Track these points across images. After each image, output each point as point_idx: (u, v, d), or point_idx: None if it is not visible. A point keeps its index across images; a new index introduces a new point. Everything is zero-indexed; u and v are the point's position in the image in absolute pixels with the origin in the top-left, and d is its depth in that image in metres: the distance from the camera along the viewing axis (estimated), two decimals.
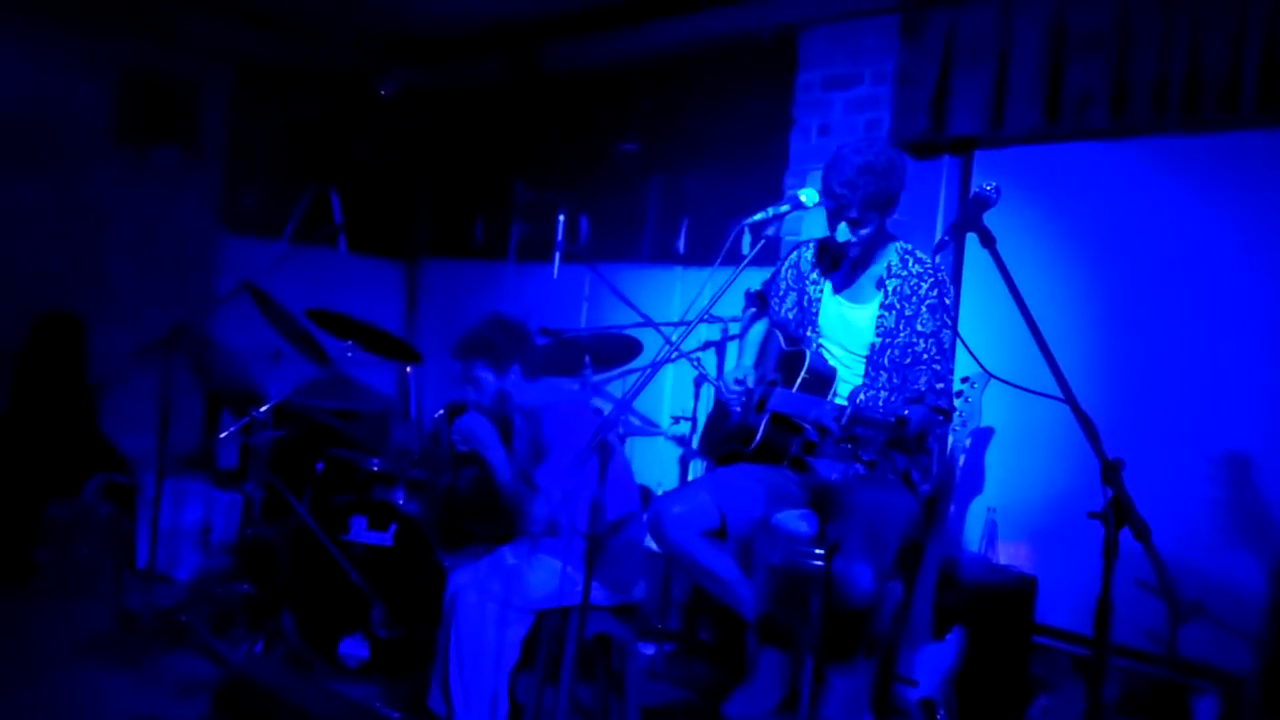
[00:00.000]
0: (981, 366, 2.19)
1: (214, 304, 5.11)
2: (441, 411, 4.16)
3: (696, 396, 4.38)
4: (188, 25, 5.40)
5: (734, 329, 4.27)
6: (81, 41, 5.22)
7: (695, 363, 4.05)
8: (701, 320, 3.07)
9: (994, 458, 3.95)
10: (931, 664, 3.20)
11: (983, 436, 3.88)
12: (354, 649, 3.68)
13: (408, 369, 5.85)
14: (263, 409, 3.81)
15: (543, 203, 5.87)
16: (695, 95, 5.16)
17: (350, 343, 3.90)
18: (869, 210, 2.65)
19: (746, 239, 4.55)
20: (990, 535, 3.87)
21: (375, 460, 4.08)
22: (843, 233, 2.68)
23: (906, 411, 2.28)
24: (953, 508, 3.71)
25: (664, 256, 5.27)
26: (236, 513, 4.99)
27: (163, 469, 4.02)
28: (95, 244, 5.47)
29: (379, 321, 3.95)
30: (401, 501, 3.78)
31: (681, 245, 5.21)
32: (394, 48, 5.73)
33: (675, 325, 4.61)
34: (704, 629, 4.37)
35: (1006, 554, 3.85)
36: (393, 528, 3.70)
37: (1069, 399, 1.86)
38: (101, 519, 4.53)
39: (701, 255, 5.11)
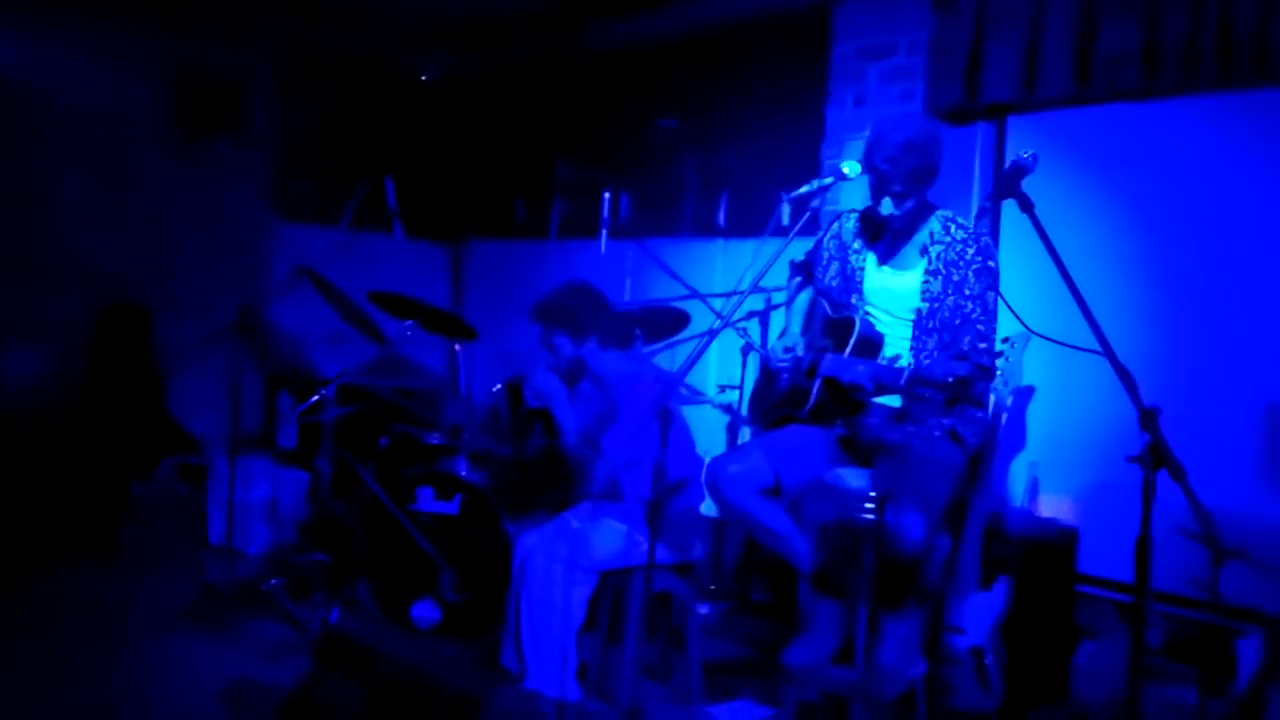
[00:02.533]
0: (1024, 325, 2.31)
1: (273, 289, 5.29)
2: (500, 386, 4.32)
3: (744, 365, 4.51)
4: (236, 16, 5.55)
5: (777, 299, 4.39)
6: (134, 36, 5.38)
7: (742, 332, 4.18)
8: (751, 291, 3.21)
9: (1035, 415, 4.05)
10: (979, 613, 3.34)
11: (1024, 395, 3.99)
12: (426, 612, 3.88)
13: (457, 347, 6.03)
14: (329, 388, 3.99)
15: (583, 180, 6.00)
16: (732, 70, 5.25)
17: (410, 322, 4.07)
18: (912, 184, 2.77)
19: (788, 211, 4.69)
20: (1033, 489, 3.99)
21: (435, 434, 4.27)
22: (887, 206, 2.81)
23: (965, 371, 2.41)
24: (997, 464, 3.83)
25: (705, 230, 5.39)
26: (301, 488, 5.20)
27: (235, 448, 4.22)
28: (155, 235, 5.67)
29: (431, 301, 4.11)
30: (465, 472, 3.97)
31: (722, 218, 5.32)
32: (434, 32, 5.85)
33: (722, 296, 4.75)
34: (757, 588, 4.53)
35: (1049, 507, 3.97)
36: (458, 497, 3.89)
37: (1107, 351, 1.98)
38: (178, 497, 4.75)
39: (742, 227, 5.22)
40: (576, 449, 3.35)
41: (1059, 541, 3.71)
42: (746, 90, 5.20)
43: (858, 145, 4.44)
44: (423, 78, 5.93)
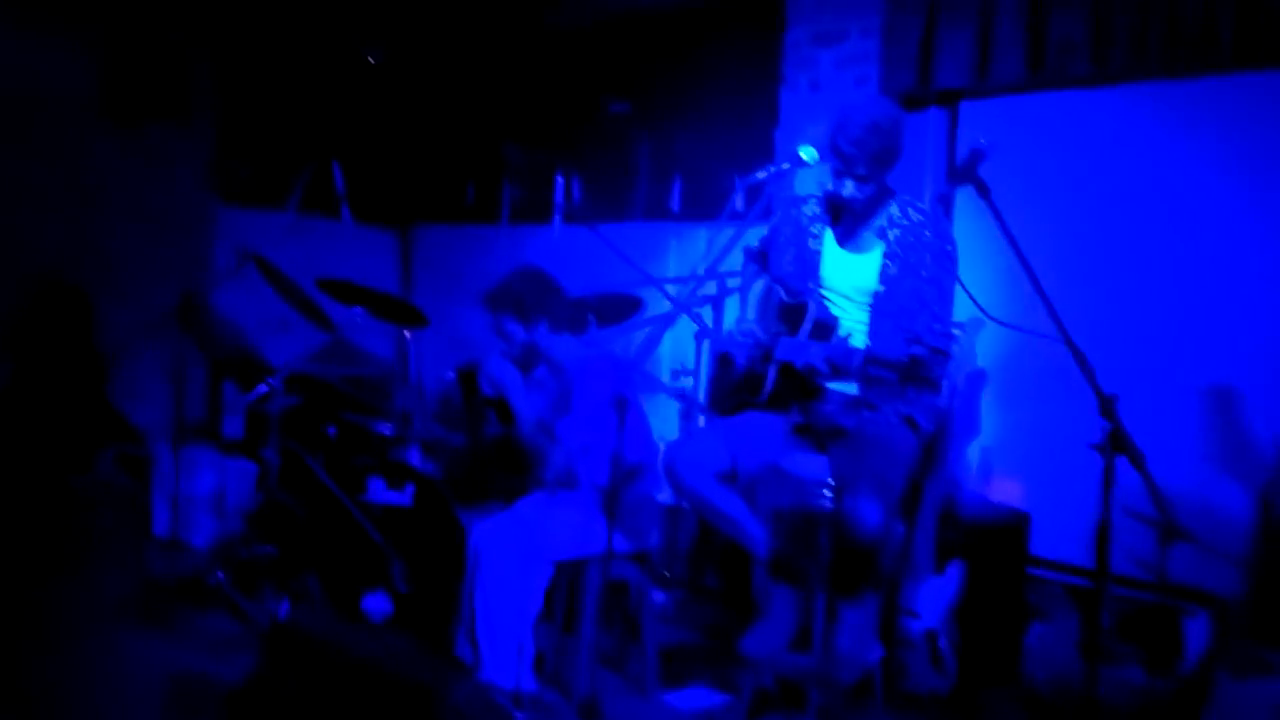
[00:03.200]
0: (982, 310, 2.31)
1: (218, 275, 5.18)
2: (452, 373, 4.26)
3: (698, 351, 4.49)
4: None
5: (731, 284, 4.38)
6: (68, 14, 5.22)
7: (696, 317, 4.16)
8: (707, 277, 3.19)
9: (987, 400, 4.09)
10: (933, 596, 3.36)
11: (977, 380, 4.03)
12: (377, 604, 3.81)
13: (406, 334, 5.95)
14: (276, 377, 3.90)
15: (534, 164, 5.94)
16: (685, 53, 5.22)
17: (358, 309, 3.99)
18: (875, 166, 2.78)
19: (742, 196, 4.68)
20: (985, 474, 4.03)
21: (385, 423, 4.20)
22: (848, 188, 2.81)
23: (919, 352, 2.42)
24: (950, 449, 3.85)
25: (657, 214, 5.36)
26: (248, 479, 5.10)
27: (178, 438, 4.12)
28: (92, 218, 5.51)
29: (379, 287, 4.03)
30: (417, 461, 3.90)
31: (675, 202, 5.30)
32: (382, 12, 5.74)
33: (675, 281, 4.72)
34: (710, 575, 4.52)
35: (1000, 491, 4.01)
36: (410, 487, 3.82)
37: (1064, 337, 1.99)
38: (119, 489, 4.63)
39: (695, 212, 5.20)
40: (531, 436, 3.30)
41: (1010, 525, 3.75)
42: (699, 74, 5.17)
43: (814, 130, 4.46)
44: (370, 59, 5.81)
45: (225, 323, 5.91)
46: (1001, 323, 2.29)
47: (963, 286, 2.39)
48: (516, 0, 5.57)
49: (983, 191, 2.21)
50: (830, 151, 2.82)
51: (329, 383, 4.56)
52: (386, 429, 4.15)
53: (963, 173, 2.26)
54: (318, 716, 2.22)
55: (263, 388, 3.88)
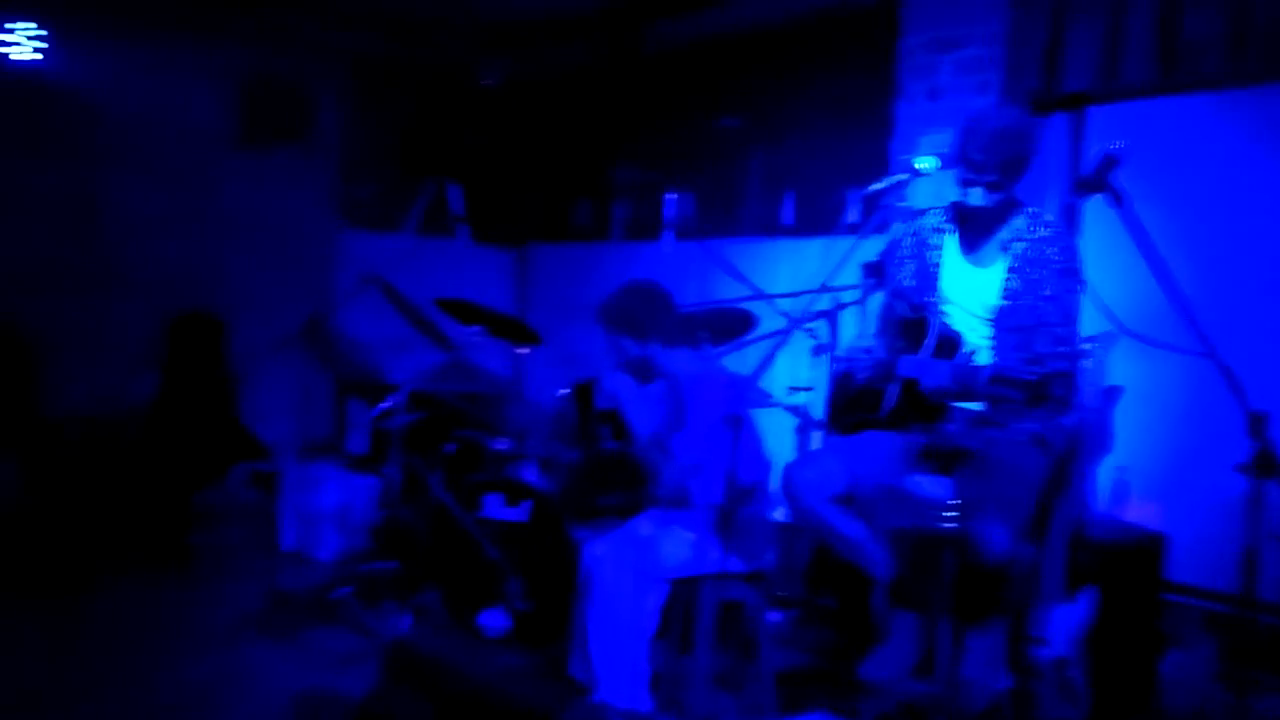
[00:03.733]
0: (1119, 325, 2.20)
1: (341, 296, 5.33)
2: (566, 389, 4.29)
3: (814, 367, 4.41)
4: (299, 26, 5.59)
5: (846, 298, 4.30)
6: (198, 47, 5.46)
7: (811, 334, 4.09)
8: (822, 291, 3.13)
9: (1121, 417, 3.91)
10: (1063, 623, 3.21)
11: (1111, 396, 3.85)
12: (493, 620, 3.85)
13: (521, 351, 6.02)
14: (398, 395, 3.98)
15: (644, 182, 5.96)
16: (795, 66, 5.17)
17: (476, 328, 4.05)
18: (1005, 174, 2.69)
19: (855, 209, 4.59)
20: (1119, 494, 3.85)
21: (501, 440, 4.25)
22: (976, 197, 2.73)
23: (1046, 371, 2.32)
24: (1082, 468, 3.69)
25: (769, 229, 5.31)
26: (372, 495, 5.22)
27: (304, 455, 4.24)
28: (222, 243, 5.74)
29: (495, 306, 4.09)
30: (533, 478, 3.93)
31: (786, 217, 5.24)
32: (495, 37, 5.85)
33: (788, 296, 4.65)
34: (826, 595, 4.43)
35: (1135, 512, 3.82)
36: (526, 504, 3.85)
37: (1209, 352, 1.87)
38: (248, 504, 4.79)
39: (807, 226, 5.14)
40: (645, 451, 3.27)
41: (1145, 547, 3.57)
42: (811, 87, 5.11)
43: (931, 140, 4.35)
44: (485, 82, 5.92)
45: (349, 342, 6.09)
46: (1141, 338, 2.17)
47: (1097, 300, 2.26)
48: (628, 18, 5.59)
49: (1116, 199, 2.10)
50: (958, 159, 2.74)
51: (447, 400, 4.64)
52: (503, 445, 4.19)
53: (1094, 180, 2.17)
54: None
55: (385, 405, 3.96)
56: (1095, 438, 3.90)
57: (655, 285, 3.48)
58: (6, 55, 4.70)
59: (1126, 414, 3.90)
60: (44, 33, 4.72)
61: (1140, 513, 3.80)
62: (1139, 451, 3.88)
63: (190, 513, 4.72)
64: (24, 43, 4.69)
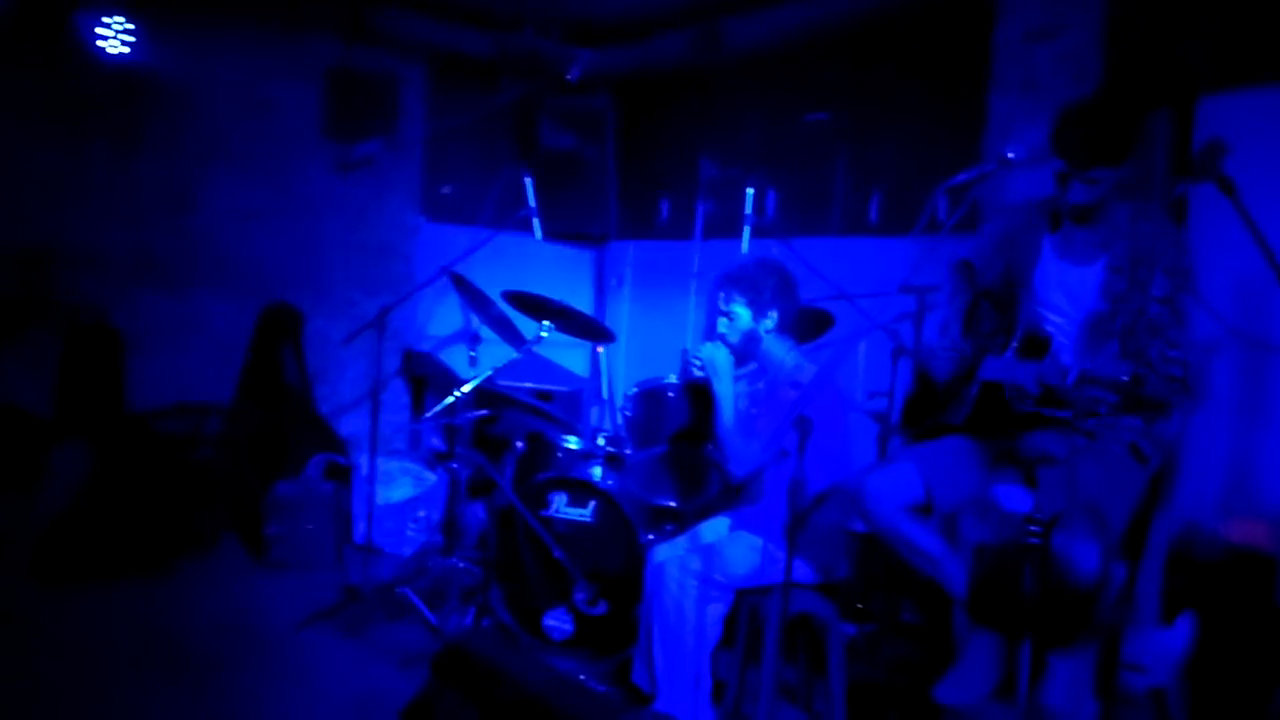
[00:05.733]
0: (1230, 329, 2.00)
1: (419, 290, 5.33)
2: (635, 389, 4.18)
3: (895, 371, 4.23)
4: (384, 22, 5.61)
5: (930, 298, 4.11)
6: (285, 41, 5.52)
7: (893, 335, 3.91)
8: (905, 290, 2.98)
9: (1224, 427, 3.65)
10: (1161, 650, 3.00)
11: (1213, 404, 3.60)
12: (558, 622, 3.77)
13: (599, 349, 5.95)
14: (469, 390, 3.93)
15: (729, 179, 5.82)
16: (884, 59, 4.99)
17: (549, 324, 3.97)
18: (1105, 167, 2.49)
19: (941, 205, 4.39)
20: (1224, 511, 3.59)
21: (572, 438, 4.17)
22: (1077, 192, 2.53)
23: (1142, 372, 2.12)
24: (1181, 482, 3.46)
25: (856, 228, 5.14)
26: (443, 490, 5.21)
27: (374, 448, 4.22)
28: (309, 238, 5.80)
29: (572, 303, 4.01)
30: (600, 478, 3.84)
31: (873, 215, 5.06)
32: (579, 32, 5.79)
33: (870, 296, 4.48)
34: (906, 609, 4.25)
35: (1243, 531, 3.55)
36: (592, 504, 3.77)
37: None
38: (324, 496, 4.81)
39: (895, 225, 4.95)
40: (725, 429, 3.12)
41: (1254, 568, 3.32)
42: (900, 80, 4.92)
43: (1028, 133, 4.13)
44: (568, 77, 5.86)
45: (428, 338, 6.09)
46: (1261, 341, 1.96)
47: (1206, 304, 2.05)
48: (711, 12, 5.47)
49: (1226, 189, 1.91)
50: (1057, 150, 2.55)
51: (518, 397, 4.58)
52: (573, 443, 4.12)
53: (1201, 168, 1.97)
54: None
55: (455, 400, 3.91)
56: (1194, 449, 3.67)
57: (785, 265, 3.34)
58: (101, 49, 4.78)
59: (1231, 423, 3.65)
60: (133, 26, 4.79)
61: (1249, 531, 3.54)
62: (1242, 465, 3.62)
63: (266, 503, 4.75)
64: (116, 37, 4.77)
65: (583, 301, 6.66)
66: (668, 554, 3.21)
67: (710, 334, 3.40)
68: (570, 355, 6.28)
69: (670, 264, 6.13)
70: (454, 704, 2.26)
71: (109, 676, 3.38)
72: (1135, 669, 2.96)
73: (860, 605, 4.21)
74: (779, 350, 3.26)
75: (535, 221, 4.41)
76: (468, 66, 6.03)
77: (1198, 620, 3.03)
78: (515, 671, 2.30)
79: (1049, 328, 2.69)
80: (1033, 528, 2.50)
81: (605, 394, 6.00)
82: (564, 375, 6.25)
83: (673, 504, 3.83)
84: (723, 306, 3.26)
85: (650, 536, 3.64)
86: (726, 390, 3.13)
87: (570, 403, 5.77)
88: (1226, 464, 3.64)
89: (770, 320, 3.24)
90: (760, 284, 3.22)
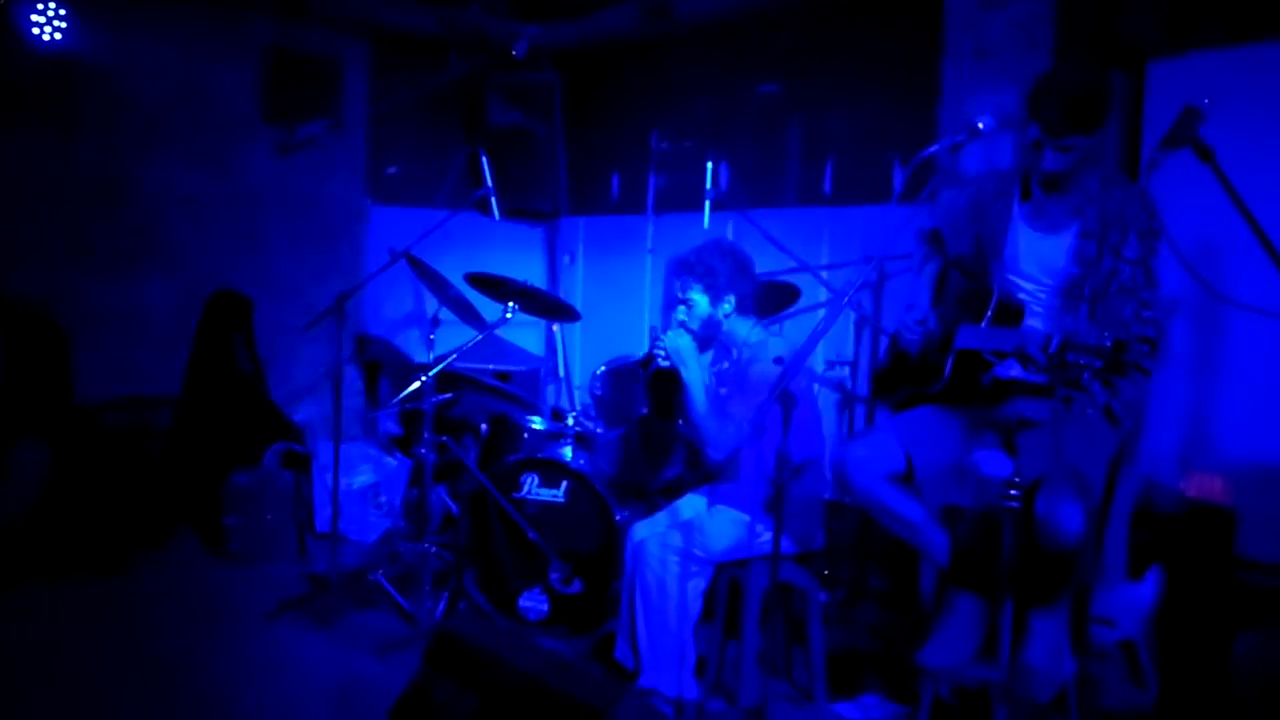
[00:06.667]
0: (1210, 289, 2.04)
1: (369, 274, 5.24)
2: (603, 368, 4.17)
3: (858, 340, 4.28)
4: (324, 1, 5.49)
5: (890, 269, 4.15)
6: (223, 22, 5.36)
7: (858, 306, 3.95)
8: (872, 260, 3.00)
9: (1181, 384, 3.75)
10: (1129, 603, 3.08)
11: (1171, 362, 3.69)
12: (534, 603, 3.76)
13: (555, 328, 5.91)
14: (429, 374, 3.88)
15: (680, 152, 5.80)
16: (835, 29, 5.00)
17: (511, 305, 3.93)
18: (1080, 135, 2.51)
19: (902, 176, 4.42)
20: (1182, 467, 3.69)
21: (536, 418, 4.14)
22: (1050, 160, 2.56)
23: (1125, 336, 2.16)
24: (1143, 441, 3.54)
25: (810, 198, 5.16)
26: (403, 475, 5.15)
27: (337, 435, 4.15)
28: (253, 223, 5.66)
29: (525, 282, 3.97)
30: (570, 458, 3.83)
31: (827, 186, 5.08)
32: (524, 6, 5.71)
33: (833, 268, 4.52)
34: (874, 574, 4.31)
35: (1200, 486, 3.66)
36: (565, 484, 3.75)
37: None
38: (283, 486, 4.73)
39: (849, 195, 4.98)
40: (696, 415, 3.12)
41: (1214, 523, 3.42)
42: (851, 51, 4.94)
43: (983, 101, 4.17)
44: (514, 53, 5.78)
45: (381, 321, 6.01)
46: (1240, 305, 2.01)
47: (1188, 267, 2.07)
48: None
49: (1204, 155, 1.94)
50: (1030, 120, 2.57)
51: (480, 379, 4.54)
52: (539, 424, 4.09)
53: (1178, 135, 2.00)
54: None
55: (416, 385, 3.86)
56: (1154, 408, 3.76)
57: (739, 246, 3.33)
58: (35, 36, 4.62)
59: (1191, 382, 3.75)
60: (66, 12, 4.63)
61: (1207, 486, 3.65)
62: (1199, 422, 3.72)
63: (224, 495, 4.65)
64: (49, 23, 4.61)
65: (535, 279, 6.61)
66: (647, 531, 3.21)
67: (669, 321, 3.39)
68: (523, 334, 6.23)
69: (623, 239, 6.11)
70: (450, 693, 2.24)
71: (76, 677, 3.30)
72: (1105, 623, 3.04)
73: (827, 572, 4.27)
74: (742, 330, 3.26)
75: (493, 201, 4.34)
76: (412, 44, 5.92)
77: (1163, 574, 3.12)
78: (509, 655, 2.28)
79: (1022, 296, 2.73)
80: (1014, 492, 2.54)
81: (562, 372, 5.98)
82: (519, 355, 6.21)
83: (645, 482, 3.83)
84: (680, 295, 3.26)
85: (624, 514, 3.63)
86: (696, 377, 3.12)
87: (527, 382, 5.74)
88: (1184, 420, 3.75)
89: (729, 304, 3.24)
90: (715, 269, 3.22)
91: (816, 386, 4.56)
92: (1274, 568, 3.55)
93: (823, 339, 2.56)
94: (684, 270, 3.25)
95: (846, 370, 4.41)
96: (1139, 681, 3.04)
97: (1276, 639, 3.36)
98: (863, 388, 4.33)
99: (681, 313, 3.27)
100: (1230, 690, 3.21)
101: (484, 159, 4.35)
